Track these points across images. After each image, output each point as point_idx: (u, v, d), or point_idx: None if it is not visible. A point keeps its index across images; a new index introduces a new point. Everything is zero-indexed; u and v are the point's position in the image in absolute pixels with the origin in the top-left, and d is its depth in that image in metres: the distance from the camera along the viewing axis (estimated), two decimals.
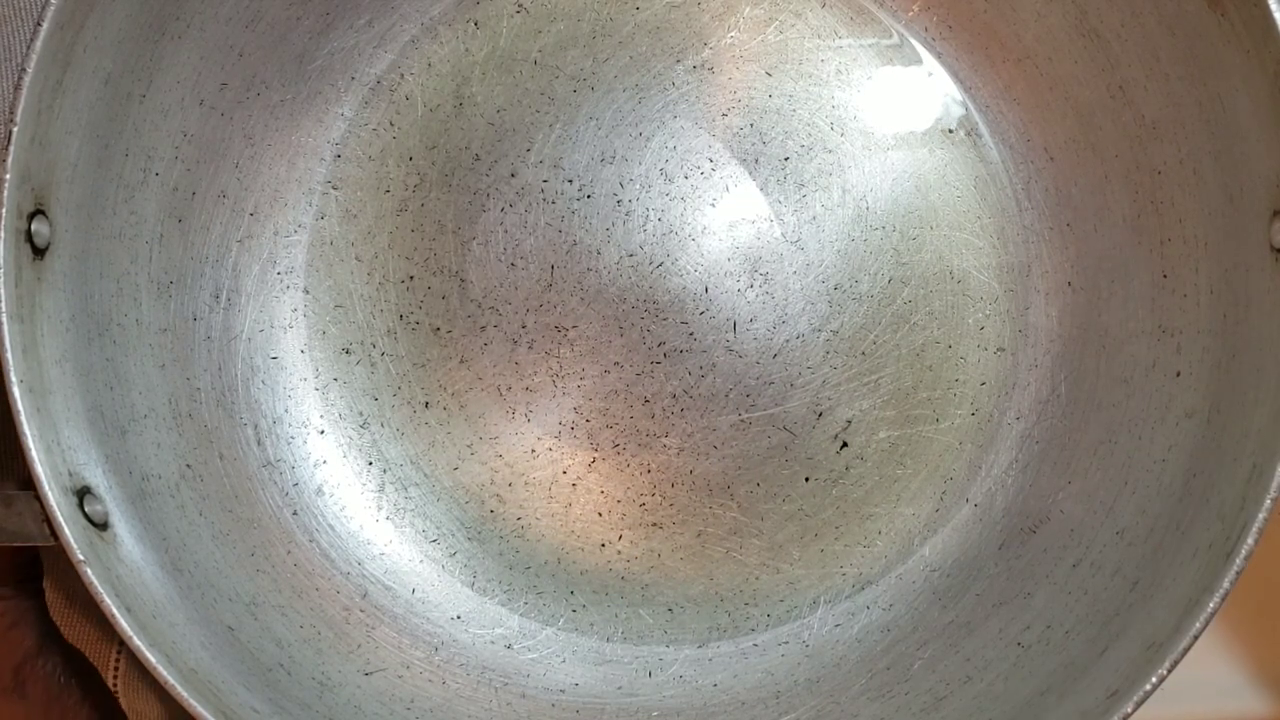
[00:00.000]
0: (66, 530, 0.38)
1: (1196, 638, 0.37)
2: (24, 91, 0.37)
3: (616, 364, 0.47)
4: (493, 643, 0.47)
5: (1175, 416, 0.42)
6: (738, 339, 0.47)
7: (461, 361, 0.48)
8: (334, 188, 0.48)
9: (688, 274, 0.47)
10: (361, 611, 0.46)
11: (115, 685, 0.49)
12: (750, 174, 0.47)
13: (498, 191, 0.47)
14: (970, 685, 0.43)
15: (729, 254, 0.47)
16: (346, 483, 0.48)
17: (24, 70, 0.37)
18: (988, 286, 0.47)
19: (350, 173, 0.48)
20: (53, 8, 0.38)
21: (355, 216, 0.48)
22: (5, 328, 0.37)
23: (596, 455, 0.47)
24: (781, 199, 0.47)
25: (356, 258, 0.48)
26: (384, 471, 0.48)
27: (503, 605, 0.47)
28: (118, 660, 0.50)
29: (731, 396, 0.47)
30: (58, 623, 0.48)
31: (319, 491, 0.47)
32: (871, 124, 0.47)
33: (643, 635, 0.47)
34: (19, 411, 0.37)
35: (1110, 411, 0.45)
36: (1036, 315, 0.47)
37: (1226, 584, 0.37)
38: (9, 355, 0.37)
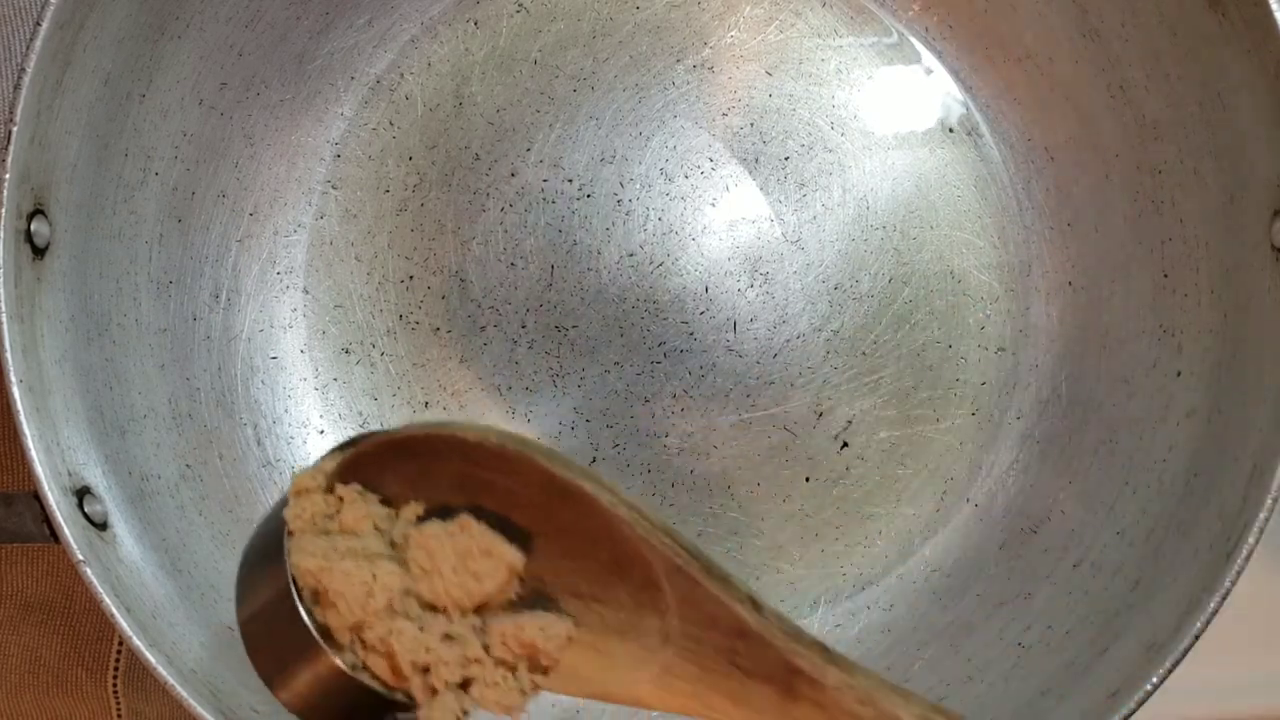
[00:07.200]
0: (66, 530, 0.37)
1: (1197, 638, 0.37)
2: (24, 91, 0.37)
3: (616, 364, 0.47)
4: None
5: (1176, 416, 0.42)
6: (738, 339, 0.47)
7: (461, 361, 0.48)
8: (334, 187, 0.48)
9: (688, 274, 0.47)
10: None
11: (115, 685, 0.49)
12: (750, 173, 0.47)
13: (498, 191, 0.47)
14: (970, 685, 0.43)
15: (729, 254, 0.47)
16: None
17: (24, 70, 0.37)
18: (988, 286, 0.47)
19: (350, 172, 0.48)
20: (53, 8, 0.38)
21: (355, 216, 0.48)
22: (5, 328, 0.37)
23: (596, 455, 0.47)
24: (781, 199, 0.47)
25: (356, 258, 0.48)
26: None
27: None
28: (118, 660, 0.50)
29: (731, 396, 0.47)
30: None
31: None
32: (872, 123, 0.47)
33: None
34: (19, 411, 0.37)
35: (1110, 411, 0.45)
36: (1037, 315, 0.47)
37: (1227, 584, 0.37)
38: (9, 355, 0.37)
